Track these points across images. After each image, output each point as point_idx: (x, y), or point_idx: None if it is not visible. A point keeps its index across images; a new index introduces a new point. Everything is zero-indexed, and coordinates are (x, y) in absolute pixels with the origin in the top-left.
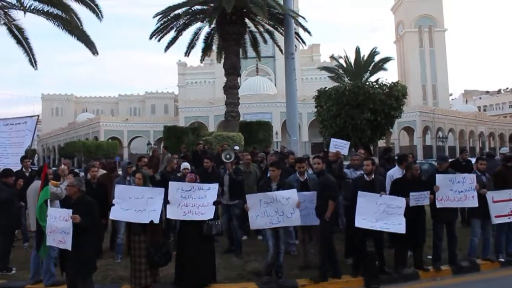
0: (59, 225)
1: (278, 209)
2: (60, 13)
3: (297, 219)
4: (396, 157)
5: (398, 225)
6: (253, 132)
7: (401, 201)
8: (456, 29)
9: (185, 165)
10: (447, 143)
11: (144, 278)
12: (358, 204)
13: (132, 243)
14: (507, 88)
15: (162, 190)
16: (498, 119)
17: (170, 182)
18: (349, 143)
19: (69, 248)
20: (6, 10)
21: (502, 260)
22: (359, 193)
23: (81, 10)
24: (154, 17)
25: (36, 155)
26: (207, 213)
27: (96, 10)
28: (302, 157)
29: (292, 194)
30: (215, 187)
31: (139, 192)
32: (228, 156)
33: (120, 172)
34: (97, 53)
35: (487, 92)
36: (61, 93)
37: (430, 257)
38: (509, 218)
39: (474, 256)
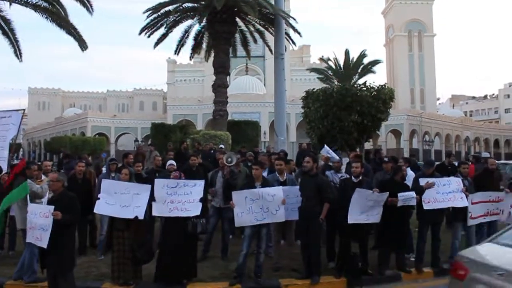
0: (39, 222)
1: (263, 206)
2: (47, 5)
3: (281, 216)
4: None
5: (376, 215)
6: (241, 131)
7: (385, 196)
8: (445, 34)
9: (171, 162)
10: (434, 146)
11: (125, 275)
12: (352, 201)
13: (115, 239)
14: (493, 94)
15: (149, 186)
16: (484, 124)
17: (155, 179)
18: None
19: (45, 246)
20: None
21: None
22: (357, 189)
23: (70, 4)
24: (144, 12)
25: (21, 150)
26: (193, 209)
27: (86, 4)
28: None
29: (277, 191)
30: (201, 183)
31: (125, 187)
32: (229, 160)
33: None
34: (86, 47)
35: (474, 97)
36: (48, 87)
37: (413, 259)
38: (484, 218)
39: None
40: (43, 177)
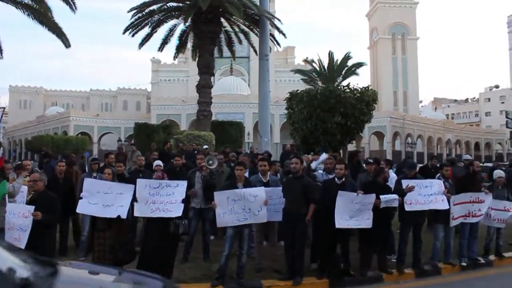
0: (18, 222)
1: (245, 206)
2: (30, 1)
3: (264, 217)
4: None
5: (367, 220)
6: (225, 132)
7: (372, 198)
8: (428, 38)
9: (158, 162)
10: (416, 149)
11: None
12: (337, 204)
13: (96, 239)
14: (474, 98)
15: (132, 186)
16: (465, 127)
17: (138, 179)
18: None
19: (23, 247)
20: None
21: (464, 264)
22: (339, 192)
23: (54, 2)
24: (128, 12)
25: (1, 148)
26: (175, 210)
27: (69, 2)
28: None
29: (260, 192)
30: (183, 184)
31: (108, 187)
32: (210, 162)
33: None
34: (69, 45)
35: (455, 100)
36: (30, 85)
37: (395, 260)
38: (465, 219)
39: (437, 260)
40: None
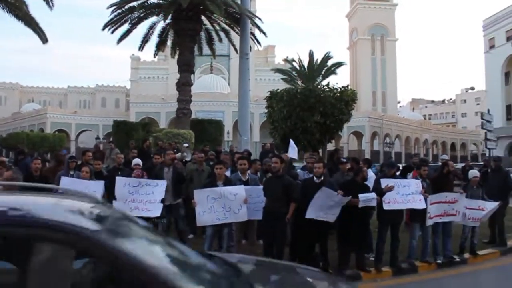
0: None
1: (225, 205)
2: None
3: (244, 215)
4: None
5: (333, 215)
6: (204, 130)
7: (346, 199)
8: (407, 40)
9: (137, 161)
10: (394, 148)
11: None
12: (315, 197)
13: None
14: (451, 99)
15: (102, 182)
16: (441, 127)
17: (117, 178)
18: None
19: None
20: None
21: (439, 261)
22: (322, 188)
23: None
24: (108, 8)
25: None
26: (153, 210)
27: None
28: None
29: (239, 190)
30: (163, 183)
31: (85, 186)
32: (184, 154)
33: None
34: (47, 41)
35: (433, 101)
36: (5, 81)
37: (373, 258)
38: (441, 218)
39: (413, 258)
40: None
